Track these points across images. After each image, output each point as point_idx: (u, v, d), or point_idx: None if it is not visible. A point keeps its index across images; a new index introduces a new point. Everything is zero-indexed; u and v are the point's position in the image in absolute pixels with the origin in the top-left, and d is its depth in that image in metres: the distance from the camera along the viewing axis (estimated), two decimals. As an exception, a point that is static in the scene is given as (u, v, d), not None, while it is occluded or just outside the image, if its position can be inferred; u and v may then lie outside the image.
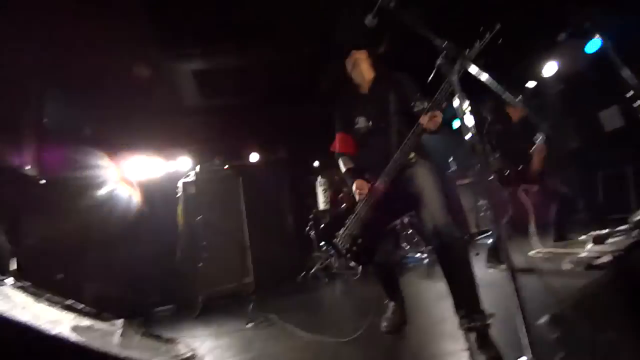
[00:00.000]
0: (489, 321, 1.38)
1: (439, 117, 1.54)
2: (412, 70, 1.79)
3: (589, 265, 2.21)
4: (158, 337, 1.67)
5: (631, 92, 2.38)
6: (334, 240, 1.78)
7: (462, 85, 1.04)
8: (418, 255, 4.34)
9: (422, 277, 3.45)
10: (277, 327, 2.32)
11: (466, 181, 5.27)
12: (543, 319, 1.02)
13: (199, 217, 4.01)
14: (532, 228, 3.07)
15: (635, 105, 2.47)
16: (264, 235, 4.54)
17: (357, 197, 1.73)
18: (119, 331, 1.45)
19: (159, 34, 3.10)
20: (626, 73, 2.40)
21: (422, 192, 1.57)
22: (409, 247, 4.51)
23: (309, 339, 1.99)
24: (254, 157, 5.30)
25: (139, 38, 3.02)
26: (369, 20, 1.43)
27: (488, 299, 1.47)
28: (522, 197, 3.04)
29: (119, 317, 1.58)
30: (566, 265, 2.41)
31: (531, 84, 4.91)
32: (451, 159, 5.57)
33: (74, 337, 1.03)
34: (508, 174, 2.97)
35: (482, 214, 4.69)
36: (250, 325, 2.56)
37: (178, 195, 4.40)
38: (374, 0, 1.33)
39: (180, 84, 4.02)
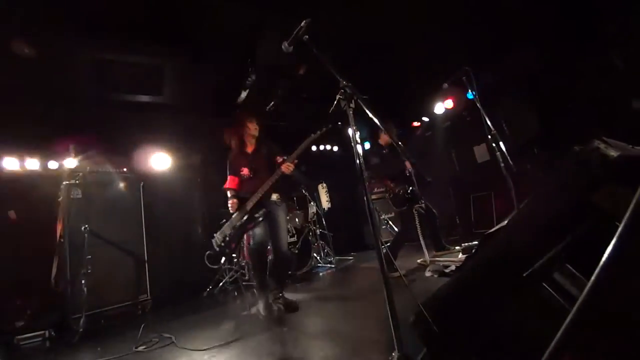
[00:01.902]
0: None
1: (292, 166, 2.48)
2: (317, 100, 2.01)
3: (441, 273, 2.80)
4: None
5: (490, 136, 3.03)
6: (213, 239, 2.73)
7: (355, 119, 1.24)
8: (327, 265, 4.71)
9: (330, 284, 3.71)
10: (171, 347, 2.16)
11: (372, 197, 5.84)
12: (410, 320, 1.24)
13: (84, 227, 3.47)
14: (421, 241, 3.62)
15: (493, 144, 3.15)
16: (166, 248, 4.17)
17: (231, 210, 2.65)
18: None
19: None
20: (487, 120, 3.08)
21: (277, 226, 2.59)
22: (319, 256, 4.82)
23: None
24: (160, 160, 4.80)
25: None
26: (285, 47, 1.55)
27: (378, 302, 1.67)
28: (415, 215, 3.57)
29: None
30: (428, 274, 2.96)
31: (425, 119, 5.82)
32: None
33: None
34: (402, 196, 3.47)
35: (383, 227, 5.23)
36: (141, 347, 2.32)
37: (59, 199, 3.73)
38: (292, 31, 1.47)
39: (77, 72, 3.50)
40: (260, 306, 2.66)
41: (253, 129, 2.71)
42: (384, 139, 3.68)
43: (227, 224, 2.66)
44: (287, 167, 2.45)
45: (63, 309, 3.34)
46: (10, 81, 3.38)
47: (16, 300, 3.39)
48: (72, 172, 3.94)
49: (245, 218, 2.55)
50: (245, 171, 2.69)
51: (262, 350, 1.89)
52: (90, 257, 3.41)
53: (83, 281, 3.31)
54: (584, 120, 3.72)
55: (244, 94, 4.29)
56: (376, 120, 1.23)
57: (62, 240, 3.59)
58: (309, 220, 5.04)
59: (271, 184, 2.48)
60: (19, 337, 3.27)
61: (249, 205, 2.53)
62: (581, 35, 3.74)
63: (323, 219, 5.28)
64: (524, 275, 0.89)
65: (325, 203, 5.77)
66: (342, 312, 2.47)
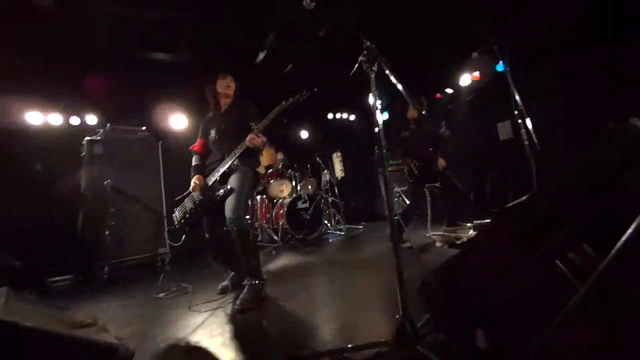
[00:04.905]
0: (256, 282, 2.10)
1: (260, 139, 2.14)
2: (338, 61, 1.93)
3: (452, 244, 2.80)
4: (51, 305, 1.54)
5: (516, 112, 2.88)
6: (173, 214, 2.46)
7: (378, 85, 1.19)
8: (337, 232, 4.80)
9: (339, 250, 3.82)
10: (189, 296, 2.32)
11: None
12: (416, 286, 1.27)
13: (106, 182, 3.62)
14: (429, 216, 3.66)
15: (519, 121, 3.01)
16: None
17: (191, 189, 2.33)
18: (2, 299, 1.30)
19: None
20: (516, 95, 2.92)
21: (232, 189, 2.17)
22: (330, 224, 4.92)
23: (217, 306, 2.06)
24: (177, 121, 4.87)
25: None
26: (307, 3, 1.47)
27: (385, 269, 1.72)
28: (427, 193, 3.56)
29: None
30: (438, 244, 3.04)
31: (449, 91, 5.56)
32: (376, 147, 6.02)
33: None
34: (418, 173, 3.43)
35: (394, 199, 5.23)
36: (161, 295, 2.51)
37: (82, 154, 3.87)
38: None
39: (93, 28, 3.46)
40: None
41: (223, 86, 2.39)
42: (411, 113, 3.56)
43: (187, 198, 2.39)
44: (252, 140, 2.11)
45: (89, 256, 3.60)
46: (29, 36, 3.38)
47: (47, 247, 3.65)
48: (94, 129, 4.06)
49: (205, 194, 2.26)
50: (212, 133, 2.40)
51: (271, 304, 2.01)
52: (113, 210, 3.60)
53: (107, 232, 3.52)
54: (615, 103, 3.48)
55: (261, 55, 4.17)
56: (399, 86, 1.17)
57: (86, 193, 3.79)
58: (322, 187, 5.08)
59: (234, 157, 2.18)
60: (50, 279, 3.59)
61: (211, 180, 2.27)
62: (616, 13, 3.40)
63: (336, 188, 5.32)
64: (539, 251, 0.89)
65: (339, 172, 5.77)
66: (350, 276, 2.55)
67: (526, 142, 2.84)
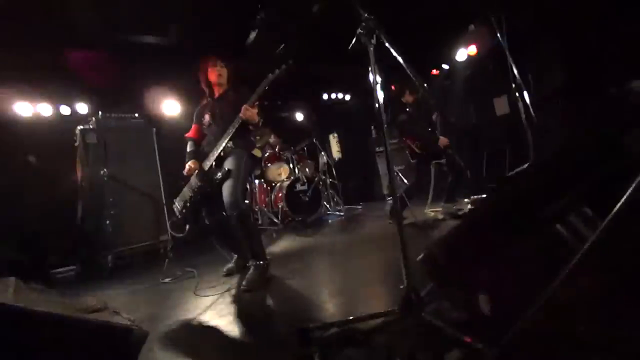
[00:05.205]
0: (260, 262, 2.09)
1: (253, 110, 2.12)
2: (336, 35, 1.89)
3: (454, 215, 2.87)
4: (61, 294, 1.56)
5: (513, 85, 2.86)
6: (173, 205, 2.43)
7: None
8: (336, 212, 4.87)
9: (340, 229, 3.89)
10: (195, 280, 2.36)
11: (382, 149, 5.79)
12: (419, 257, 1.30)
13: (103, 171, 3.59)
14: (431, 192, 3.76)
15: (516, 94, 3.00)
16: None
17: (185, 173, 2.33)
18: (11, 289, 1.31)
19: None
20: (513, 69, 2.89)
21: (229, 171, 2.13)
22: (329, 205, 4.97)
23: (224, 288, 2.10)
24: (170, 106, 4.76)
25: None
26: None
27: (386, 245, 1.76)
28: (432, 170, 3.63)
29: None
30: (440, 215, 3.17)
31: (445, 66, 5.48)
32: (372, 127, 6.00)
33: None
34: (420, 152, 3.45)
35: (397, 178, 5.26)
36: (167, 280, 2.54)
37: (75, 144, 3.81)
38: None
39: (80, 10, 3.32)
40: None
41: (215, 75, 2.35)
42: (407, 97, 3.55)
43: (186, 187, 2.35)
44: (246, 111, 2.09)
45: (91, 246, 3.61)
46: (14, 23, 3.25)
47: (48, 239, 3.66)
48: (86, 117, 3.98)
49: (203, 179, 2.21)
50: (207, 118, 2.39)
51: (277, 284, 2.05)
52: (111, 199, 3.59)
53: (107, 222, 3.52)
54: (614, 75, 3.46)
55: (253, 34, 4.05)
56: (399, 59, 1.15)
57: (83, 183, 3.76)
58: (320, 170, 5.09)
59: (230, 134, 2.15)
60: (54, 270, 3.63)
61: (207, 164, 2.23)
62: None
63: (333, 169, 5.33)
64: (539, 215, 0.91)
65: (336, 153, 5.76)
66: (352, 253, 2.61)
67: (523, 116, 2.84)
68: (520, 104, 2.86)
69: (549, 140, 3.16)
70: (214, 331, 1.50)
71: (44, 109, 4.20)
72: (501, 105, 5.25)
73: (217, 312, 1.72)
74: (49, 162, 3.93)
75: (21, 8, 3.10)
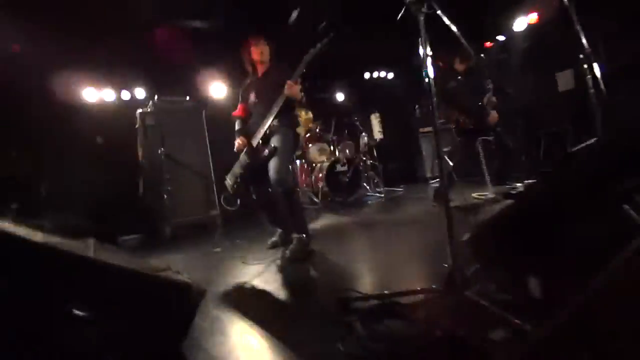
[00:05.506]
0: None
1: (295, 86, 2.14)
2: (384, 6, 1.84)
3: (506, 194, 2.68)
4: (130, 255, 1.78)
5: (581, 56, 2.55)
6: (225, 181, 2.55)
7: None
8: (376, 194, 4.83)
9: (379, 210, 3.89)
10: (244, 251, 2.53)
11: (427, 129, 5.55)
12: (464, 237, 1.28)
13: (160, 150, 3.91)
14: (486, 174, 3.44)
15: (584, 65, 2.68)
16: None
17: (235, 149, 2.43)
18: (92, 247, 1.52)
19: None
20: (581, 37, 2.57)
21: (276, 148, 2.20)
22: (369, 186, 4.95)
23: (269, 259, 2.23)
24: (218, 89, 4.99)
25: None
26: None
27: (428, 226, 1.75)
28: (478, 147, 3.35)
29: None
30: (491, 195, 3.00)
31: (501, 38, 5.01)
32: (417, 107, 5.76)
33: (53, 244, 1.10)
34: (469, 127, 3.23)
35: (437, 160, 5.06)
36: (218, 249, 2.76)
37: (136, 126, 4.17)
38: None
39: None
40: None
41: (257, 53, 2.40)
42: (458, 66, 3.33)
43: (235, 164, 2.48)
44: (290, 88, 2.12)
45: (152, 218, 4.02)
46: (80, 16, 3.55)
47: (116, 211, 4.12)
48: (143, 101, 4.33)
49: (252, 156, 2.32)
50: (252, 97, 2.46)
51: (318, 257, 2.14)
52: (168, 177, 3.92)
53: (165, 196, 3.87)
54: None
55: (295, 13, 4.04)
56: (453, 27, 1.09)
57: (143, 162, 4.15)
58: (360, 150, 5.05)
59: (276, 111, 2.20)
60: (121, 237, 4.10)
61: (255, 141, 2.31)
62: None
63: (374, 150, 5.25)
64: (605, 195, 0.84)
65: (377, 133, 5.64)
66: (393, 233, 2.61)
67: (591, 90, 2.54)
68: (589, 77, 2.55)
69: (620, 119, 2.81)
70: (261, 295, 1.63)
71: (107, 95, 4.61)
72: (565, 80, 4.72)
73: (263, 279, 1.85)
74: (114, 143, 4.36)
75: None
